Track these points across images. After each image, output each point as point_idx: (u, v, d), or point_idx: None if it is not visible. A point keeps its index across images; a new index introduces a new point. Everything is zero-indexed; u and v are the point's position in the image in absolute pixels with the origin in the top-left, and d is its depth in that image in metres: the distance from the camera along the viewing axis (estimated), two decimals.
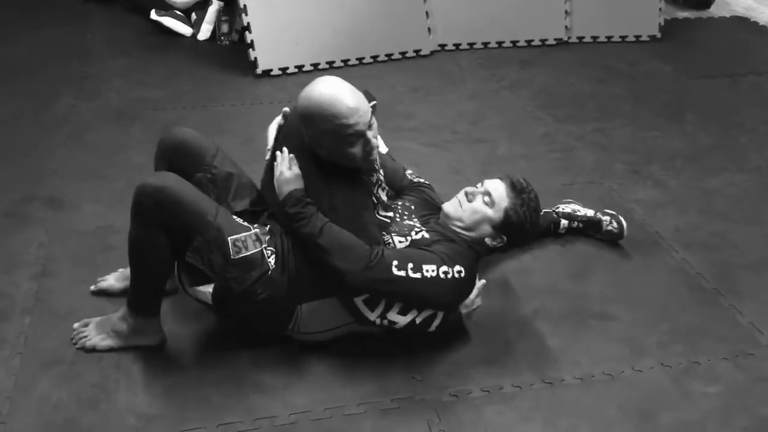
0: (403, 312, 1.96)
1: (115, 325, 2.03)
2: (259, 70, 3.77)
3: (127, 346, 2.03)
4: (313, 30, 3.88)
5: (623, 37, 4.42)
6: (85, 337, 2.04)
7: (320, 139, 1.93)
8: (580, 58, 4.19)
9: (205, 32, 4.18)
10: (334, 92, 1.88)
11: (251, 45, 3.77)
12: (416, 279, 1.91)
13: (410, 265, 1.92)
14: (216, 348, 2.08)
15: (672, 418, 1.93)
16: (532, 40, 4.31)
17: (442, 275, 1.94)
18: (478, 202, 2.08)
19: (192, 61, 3.92)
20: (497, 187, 2.09)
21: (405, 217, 2.14)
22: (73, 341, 2.04)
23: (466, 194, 2.11)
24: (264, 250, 1.93)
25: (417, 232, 2.06)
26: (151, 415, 1.86)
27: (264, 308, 1.95)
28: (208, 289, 1.92)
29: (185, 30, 4.21)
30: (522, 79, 3.92)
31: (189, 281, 1.96)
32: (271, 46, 3.80)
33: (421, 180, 2.33)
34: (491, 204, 2.07)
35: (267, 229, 2.01)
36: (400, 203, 2.19)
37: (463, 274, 1.98)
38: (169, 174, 1.95)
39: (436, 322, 2.00)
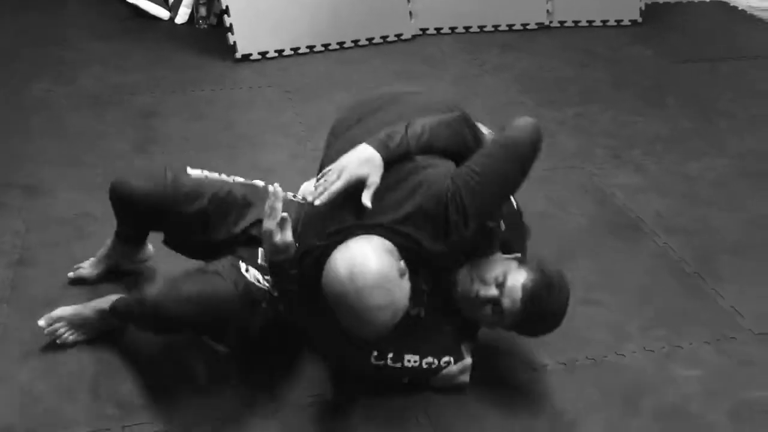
0: None
1: (95, 322, 1.98)
2: (238, 55, 3.73)
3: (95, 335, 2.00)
4: (293, 14, 3.83)
5: (604, 22, 4.42)
6: (66, 331, 1.97)
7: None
8: (561, 42, 4.19)
9: (182, 16, 4.12)
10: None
11: (230, 29, 3.72)
12: (394, 367, 1.82)
13: (390, 356, 1.80)
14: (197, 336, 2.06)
15: (654, 402, 1.94)
16: (514, 25, 4.30)
17: (424, 365, 1.84)
18: (488, 309, 1.80)
19: (170, 46, 3.86)
20: (515, 298, 1.76)
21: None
22: (58, 342, 1.97)
23: (478, 297, 1.79)
24: (264, 300, 1.82)
25: (413, 307, 1.79)
26: (133, 405, 1.83)
27: None
28: (219, 347, 1.95)
29: (162, 13, 4.14)
30: (504, 63, 3.91)
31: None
32: (250, 30, 3.75)
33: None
34: (499, 314, 1.79)
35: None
36: None
37: (451, 363, 1.87)
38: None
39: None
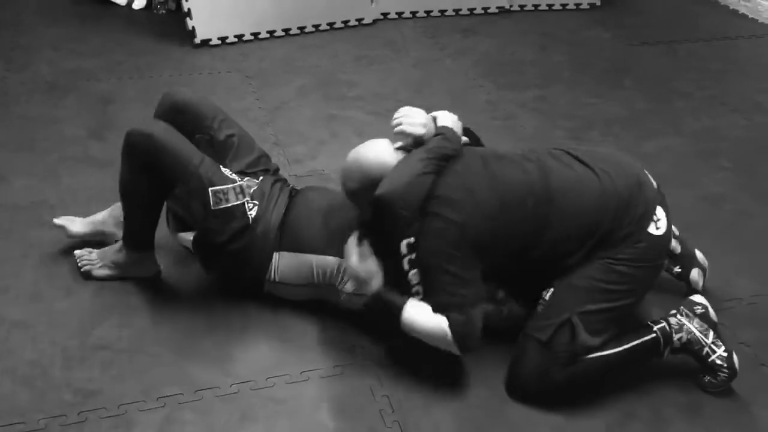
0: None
1: (113, 256, 2.11)
2: (197, 40, 3.69)
3: (126, 276, 2.12)
4: None
5: (564, 5, 4.45)
6: (91, 262, 2.11)
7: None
8: (521, 26, 4.21)
9: (140, 1, 4.05)
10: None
11: (188, 14, 3.68)
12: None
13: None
14: (153, 320, 2.05)
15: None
16: (475, 9, 4.31)
17: None
18: None
19: (127, 31, 3.81)
20: None
21: None
22: (79, 264, 2.12)
23: None
24: (246, 203, 1.98)
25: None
26: (89, 390, 1.82)
27: (243, 258, 1.99)
28: (191, 236, 2.02)
29: None
30: (465, 47, 3.92)
31: (174, 227, 2.08)
32: (209, 15, 3.71)
33: None
34: None
35: (257, 180, 2.07)
36: None
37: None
38: (158, 122, 2.01)
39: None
